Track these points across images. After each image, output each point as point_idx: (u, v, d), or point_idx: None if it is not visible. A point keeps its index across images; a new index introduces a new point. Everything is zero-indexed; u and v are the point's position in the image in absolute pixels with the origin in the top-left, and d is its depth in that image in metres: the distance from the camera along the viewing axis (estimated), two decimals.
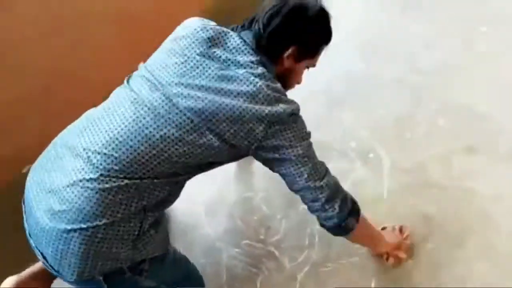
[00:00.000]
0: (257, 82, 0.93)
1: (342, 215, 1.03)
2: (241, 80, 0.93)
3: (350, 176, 1.47)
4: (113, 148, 0.90)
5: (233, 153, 1.01)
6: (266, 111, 0.93)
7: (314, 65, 1.13)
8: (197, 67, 0.95)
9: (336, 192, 1.04)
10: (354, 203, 1.09)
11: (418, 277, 1.22)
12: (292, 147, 0.98)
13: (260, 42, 0.99)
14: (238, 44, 0.98)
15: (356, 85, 1.73)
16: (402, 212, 1.36)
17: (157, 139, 0.91)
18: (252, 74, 0.94)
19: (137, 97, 0.94)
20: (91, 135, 0.93)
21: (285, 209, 1.42)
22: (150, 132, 0.91)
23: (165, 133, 0.91)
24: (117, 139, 0.90)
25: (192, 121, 0.91)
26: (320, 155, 1.48)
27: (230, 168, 1.56)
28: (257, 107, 0.92)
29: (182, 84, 0.93)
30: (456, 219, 1.32)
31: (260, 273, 1.30)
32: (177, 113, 0.91)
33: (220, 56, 0.96)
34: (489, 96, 1.58)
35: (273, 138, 0.96)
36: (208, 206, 1.50)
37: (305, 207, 1.39)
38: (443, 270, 1.22)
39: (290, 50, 1.01)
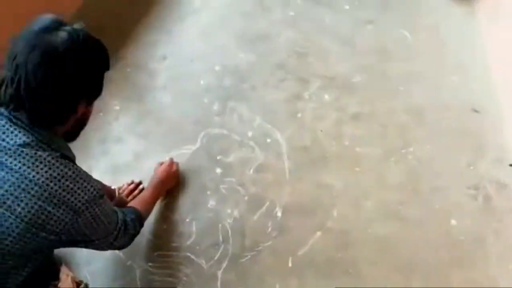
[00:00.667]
0: (36, 179, 0.82)
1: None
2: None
3: (252, 164, 1.48)
4: None
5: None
6: (58, 213, 0.85)
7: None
8: None
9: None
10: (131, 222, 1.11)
11: (329, 247, 1.28)
12: (91, 234, 0.96)
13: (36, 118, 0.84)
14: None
15: (243, 76, 1.75)
16: (305, 188, 1.41)
17: None
18: (29, 167, 0.82)
19: None
20: None
21: (193, 211, 1.38)
22: None
23: None
24: None
25: None
26: (222, 148, 1.52)
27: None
28: (48, 209, 0.84)
29: None
30: (355, 184, 1.42)
31: (179, 281, 1.24)
32: None
33: None
34: (361, 66, 1.73)
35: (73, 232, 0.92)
36: None
37: (213, 203, 1.39)
38: (350, 234, 1.30)
39: (83, 104, 0.90)
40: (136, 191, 1.43)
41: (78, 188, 0.85)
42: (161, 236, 1.33)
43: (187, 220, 1.36)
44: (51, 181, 0.81)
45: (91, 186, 0.88)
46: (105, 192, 1.34)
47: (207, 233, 1.33)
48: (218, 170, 1.48)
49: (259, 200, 1.39)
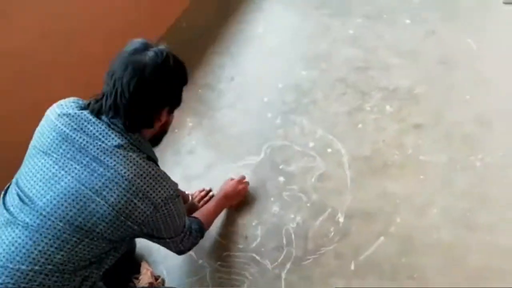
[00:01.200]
0: (126, 174, 0.95)
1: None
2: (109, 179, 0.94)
3: (314, 173, 1.54)
4: None
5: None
6: (141, 206, 0.97)
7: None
8: (65, 166, 0.95)
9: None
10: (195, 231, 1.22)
11: (393, 252, 1.27)
12: (161, 233, 1.08)
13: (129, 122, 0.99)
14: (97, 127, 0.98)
15: (305, 92, 1.84)
16: (367, 196, 1.43)
17: (36, 255, 0.91)
18: (122, 164, 0.95)
19: (10, 217, 0.94)
20: None
21: (259, 215, 1.46)
22: (28, 249, 0.91)
23: (43, 247, 0.91)
24: None
25: (66, 231, 0.92)
26: (284, 159, 1.60)
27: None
28: (134, 201, 0.96)
29: (51, 190, 0.93)
30: (419, 191, 1.40)
31: (245, 280, 1.31)
32: (50, 225, 0.92)
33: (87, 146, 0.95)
34: (424, 77, 1.73)
35: (148, 229, 1.04)
36: None
37: (277, 208, 1.46)
38: (414, 240, 1.29)
39: (164, 111, 1.05)
40: (207, 198, 1.56)
41: (159, 186, 0.98)
42: (229, 238, 1.43)
43: (253, 224, 1.45)
44: (138, 178, 0.95)
45: (169, 185, 1.00)
46: (182, 196, 1.49)
47: (272, 236, 1.40)
48: (281, 179, 1.55)
49: (321, 207, 1.44)
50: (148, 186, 0.96)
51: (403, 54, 1.86)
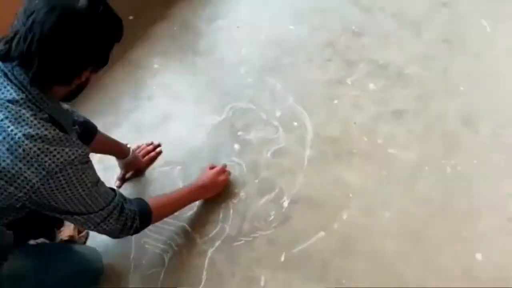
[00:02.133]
0: (14, 134, 0.82)
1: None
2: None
3: (271, 147, 1.40)
4: None
5: None
6: (27, 172, 0.84)
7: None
8: None
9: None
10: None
11: (329, 251, 1.18)
12: (64, 206, 0.93)
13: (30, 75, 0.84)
14: None
15: (288, 50, 1.64)
16: (319, 182, 1.30)
17: None
18: (11, 121, 0.82)
19: None
20: None
21: None
22: None
23: None
24: None
25: None
26: (245, 124, 1.45)
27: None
28: (18, 165, 0.83)
29: None
30: (376, 189, 1.27)
31: (169, 250, 1.24)
32: None
33: None
34: (421, 56, 1.51)
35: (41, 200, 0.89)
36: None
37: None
38: (355, 243, 1.18)
39: (87, 71, 0.90)
40: (153, 154, 1.44)
41: (55, 149, 0.84)
42: None
43: None
44: (27, 139, 0.82)
45: (70, 150, 0.86)
46: (118, 149, 1.37)
47: (209, 208, 1.30)
48: (236, 146, 1.42)
49: (269, 186, 1.32)
50: (39, 149, 0.82)
51: (405, 24, 1.62)
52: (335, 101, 1.48)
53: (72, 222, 1.00)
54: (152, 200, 1.14)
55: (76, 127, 1.11)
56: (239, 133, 1.45)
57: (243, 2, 1.84)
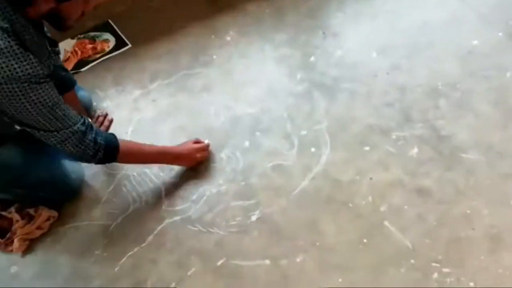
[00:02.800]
0: None
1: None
2: None
3: (276, 160, 1.35)
4: None
5: None
6: None
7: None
8: None
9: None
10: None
11: (269, 278, 1.13)
12: (15, 116, 0.95)
13: None
14: None
15: (355, 76, 1.52)
16: (296, 215, 1.23)
17: None
18: None
19: None
20: None
21: (202, 176, 1.35)
22: None
23: None
24: None
25: None
26: (267, 126, 1.42)
27: None
28: None
29: None
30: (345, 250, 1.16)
31: (137, 202, 1.31)
32: None
33: None
34: (485, 147, 1.28)
35: None
36: None
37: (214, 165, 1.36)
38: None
39: None
40: (106, 122, 1.46)
41: (3, 62, 0.86)
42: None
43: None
44: None
45: (19, 67, 0.87)
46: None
47: (188, 184, 1.33)
48: (246, 143, 1.41)
49: (250, 193, 1.29)
50: None
51: (495, 110, 1.38)
52: (366, 148, 1.35)
53: (33, 135, 1.02)
54: (124, 142, 1.18)
55: (51, 66, 1.10)
56: (257, 133, 1.42)
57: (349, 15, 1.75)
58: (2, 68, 0.87)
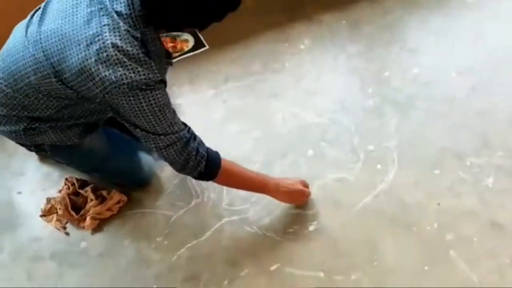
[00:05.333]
0: (106, 39, 0.91)
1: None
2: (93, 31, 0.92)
3: (339, 173, 1.34)
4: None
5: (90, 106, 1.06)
6: (103, 73, 0.92)
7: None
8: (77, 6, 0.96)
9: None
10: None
11: None
12: (130, 117, 1.00)
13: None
14: None
15: (432, 95, 1.46)
16: (354, 230, 1.21)
17: (19, 66, 1.02)
18: (109, 28, 0.91)
19: (28, 24, 1.03)
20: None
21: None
22: (17, 58, 1.02)
23: (24, 64, 1.01)
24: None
25: (42, 61, 0.98)
26: (334, 138, 1.40)
27: None
28: (98, 66, 0.92)
29: (56, 21, 0.97)
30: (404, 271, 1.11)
31: (200, 196, 1.35)
32: (34, 49, 0.98)
33: None
34: None
35: (111, 102, 0.98)
36: None
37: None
38: None
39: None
40: None
41: (130, 65, 0.92)
42: None
43: None
44: (113, 47, 0.91)
45: (143, 70, 0.93)
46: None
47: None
48: (310, 152, 1.40)
49: (309, 203, 1.29)
50: (118, 59, 0.92)
51: None
52: (436, 171, 1.29)
53: (137, 135, 1.06)
54: (227, 161, 1.15)
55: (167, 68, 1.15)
56: (322, 143, 1.42)
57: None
58: (129, 69, 0.93)
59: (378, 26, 1.71)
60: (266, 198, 1.31)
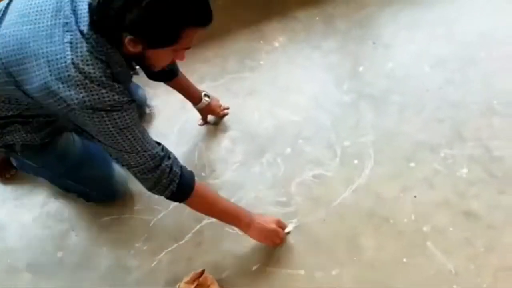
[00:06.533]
0: (68, 59, 0.87)
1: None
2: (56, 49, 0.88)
3: (317, 169, 1.34)
4: None
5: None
6: (64, 93, 0.89)
7: (189, 47, 0.95)
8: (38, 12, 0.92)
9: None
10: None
11: None
12: (96, 136, 0.97)
13: (94, 17, 0.88)
14: (84, 9, 0.89)
15: (405, 89, 1.48)
16: (333, 228, 1.22)
17: None
18: (71, 47, 0.88)
19: None
20: None
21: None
22: None
23: None
24: None
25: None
26: (309, 135, 1.41)
27: None
28: (59, 85, 0.89)
29: (17, 25, 0.93)
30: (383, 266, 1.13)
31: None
32: None
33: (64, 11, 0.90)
34: None
35: (75, 120, 0.96)
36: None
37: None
38: None
39: (127, 39, 0.87)
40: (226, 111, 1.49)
41: (93, 87, 0.89)
42: (204, 162, 1.43)
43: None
44: (74, 67, 0.87)
45: (107, 93, 0.89)
46: (189, 95, 1.43)
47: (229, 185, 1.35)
48: (288, 150, 1.40)
49: (287, 201, 1.29)
50: (79, 81, 0.88)
51: None
52: (411, 164, 1.31)
53: (107, 152, 1.02)
54: (202, 185, 1.12)
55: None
56: (300, 141, 1.42)
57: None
58: (92, 93, 0.89)
59: (352, 22, 1.71)
60: (244, 199, 1.31)
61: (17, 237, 1.32)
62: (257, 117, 1.50)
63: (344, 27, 1.70)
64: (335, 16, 1.75)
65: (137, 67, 1.06)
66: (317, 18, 1.75)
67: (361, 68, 1.57)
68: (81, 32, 0.89)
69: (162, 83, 1.43)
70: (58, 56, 0.88)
